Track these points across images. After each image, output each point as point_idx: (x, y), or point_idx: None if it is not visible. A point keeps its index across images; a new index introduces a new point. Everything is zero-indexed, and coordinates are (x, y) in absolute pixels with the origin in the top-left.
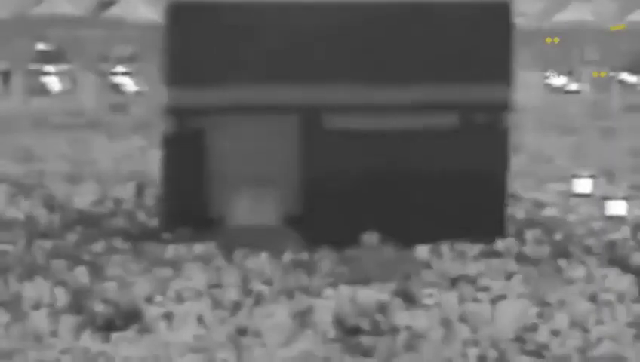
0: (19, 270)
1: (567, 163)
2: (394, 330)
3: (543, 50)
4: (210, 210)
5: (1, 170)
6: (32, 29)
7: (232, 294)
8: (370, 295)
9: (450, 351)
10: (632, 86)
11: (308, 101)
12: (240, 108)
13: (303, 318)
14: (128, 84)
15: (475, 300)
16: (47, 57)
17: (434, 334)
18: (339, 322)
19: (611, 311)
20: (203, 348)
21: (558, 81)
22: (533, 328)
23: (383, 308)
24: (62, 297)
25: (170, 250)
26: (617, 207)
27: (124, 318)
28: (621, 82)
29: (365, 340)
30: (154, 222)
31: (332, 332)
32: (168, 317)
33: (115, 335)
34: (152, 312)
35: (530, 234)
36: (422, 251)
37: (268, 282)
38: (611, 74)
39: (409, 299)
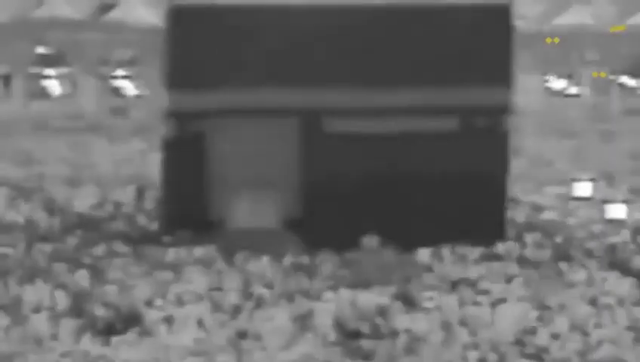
0: (19, 273)
1: (567, 166)
2: (394, 334)
3: (543, 54)
4: (211, 213)
5: (1, 173)
6: (32, 32)
7: (232, 297)
8: (371, 298)
9: (450, 355)
10: (632, 89)
11: (308, 104)
12: (240, 112)
13: (303, 322)
14: (128, 87)
15: (476, 303)
16: (47, 61)
17: (434, 337)
18: (339, 325)
19: (611, 315)
20: (203, 352)
21: (557, 84)
22: (533, 331)
23: (383, 311)
24: (62, 300)
25: (171, 254)
26: (617, 211)
27: (124, 321)
28: (621, 85)
29: (365, 343)
30: (154, 226)
31: (332, 336)
32: (168, 320)
33: (115, 339)
34: (152, 316)
35: (530, 238)
36: (423, 254)
37: (269, 285)
38: (611, 77)
39: (409, 303)
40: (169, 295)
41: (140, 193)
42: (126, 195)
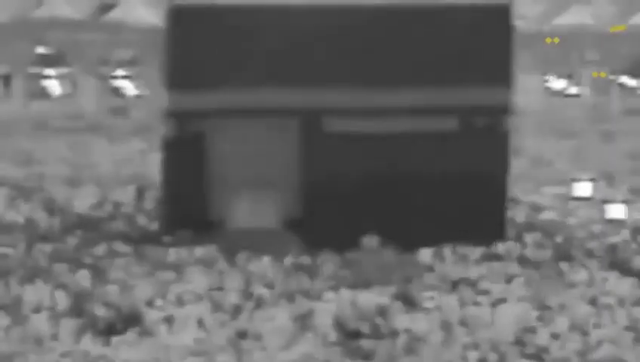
0: (19, 273)
1: (567, 166)
2: (394, 334)
3: (543, 54)
4: (211, 213)
5: (1, 173)
6: (32, 32)
7: (232, 297)
8: (371, 298)
9: (450, 354)
10: (632, 89)
11: (308, 104)
12: (240, 112)
13: (303, 321)
14: (128, 87)
15: (476, 303)
16: (47, 61)
17: (434, 337)
18: (339, 325)
19: (611, 315)
20: (203, 351)
21: (557, 84)
22: (533, 331)
23: (383, 311)
24: (62, 300)
25: (172, 254)
26: (617, 211)
27: (125, 321)
28: (621, 85)
29: (365, 343)
30: (154, 226)
31: (332, 336)
32: (169, 320)
33: (115, 339)
34: (152, 315)
35: (530, 238)
36: (424, 254)
37: (269, 285)
38: (611, 77)
39: (409, 303)
40: (169, 295)
41: (140, 193)
42: (126, 195)
